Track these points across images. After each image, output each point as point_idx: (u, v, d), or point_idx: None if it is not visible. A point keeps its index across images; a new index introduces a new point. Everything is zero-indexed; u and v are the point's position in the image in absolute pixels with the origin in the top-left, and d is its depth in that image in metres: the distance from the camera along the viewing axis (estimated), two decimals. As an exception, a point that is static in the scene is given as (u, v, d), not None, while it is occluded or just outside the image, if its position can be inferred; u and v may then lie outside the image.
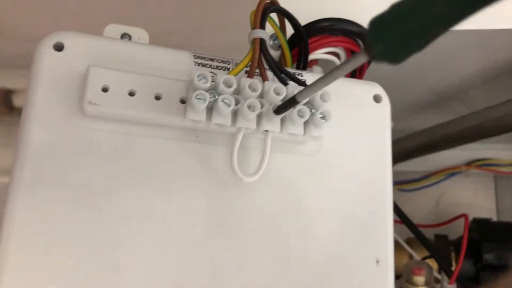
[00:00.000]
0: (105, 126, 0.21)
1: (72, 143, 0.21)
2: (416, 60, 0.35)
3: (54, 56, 0.21)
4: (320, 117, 0.22)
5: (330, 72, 0.17)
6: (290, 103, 0.21)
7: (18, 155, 0.21)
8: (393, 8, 0.13)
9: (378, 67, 0.30)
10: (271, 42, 0.30)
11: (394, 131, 0.33)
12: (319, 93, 0.22)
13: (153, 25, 0.65)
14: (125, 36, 0.28)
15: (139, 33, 0.28)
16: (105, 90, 0.21)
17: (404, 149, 0.47)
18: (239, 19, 0.62)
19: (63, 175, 0.21)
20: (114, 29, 0.28)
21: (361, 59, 0.15)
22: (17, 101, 0.73)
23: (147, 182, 0.22)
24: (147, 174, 0.22)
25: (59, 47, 0.22)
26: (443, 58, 0.36)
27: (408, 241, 0.45)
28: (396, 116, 0.50)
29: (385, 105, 0.26)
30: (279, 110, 0.21)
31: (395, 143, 0.29)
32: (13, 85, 0.74)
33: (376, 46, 0.13)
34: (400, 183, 0.52)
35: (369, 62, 0.30)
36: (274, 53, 0.30)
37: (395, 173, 0.27)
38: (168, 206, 0.22)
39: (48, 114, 0.21)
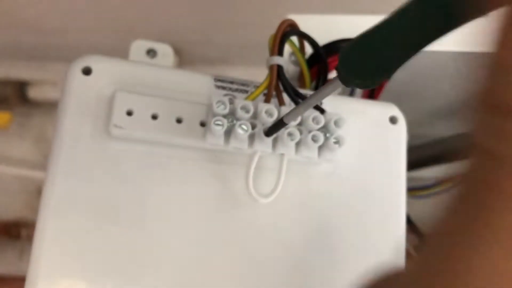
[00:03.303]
0: (130, 147, 0.22)
1: (99, 162, 0.22)
2: (432, 70, 0.35)
3: (82, 80, 0.22)
4: (334, 142, 0.23)
5: (311, 96, 0.18)
6: (279, 125, 0.21)
7: (50, 171, 0.22)
8: (357, 39, 0.14)
9: (399, 74, 0.31)
10: (292, 58, 0.30)
11: (412, 137, 0.33)
12: (333, 118, 0.23)
13: (171, 22, 0.66)
14: (150, 51, 0.29)
15: (164, 49, 0.29)
16: (129, 113, 0.22)
17: (417, 158, 0.47)
18: (255, 19, 0.63)
19: (91, 192, 0.22)
20: (140, 45, 0.29)
21: (337, 84, 0.16)
22: (31, 92, 0.74)
23: (168, 200, 0.23)
24: (168, 192, 0.23)
25: (87, 71, 0.23)
26: (466, 66, 0.36)
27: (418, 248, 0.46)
28: (413, 122, 0.51)
29: (401, 126, 0.27)
30: (269, 132, 0.22)
31: (409, 151, 0.29)
32: (28, 76, 0.76)
33: (342, 73, 0.15)
34: (410, 190, 0.52)
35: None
36: (294, 69, 0.31)
37: (407, 179, 0.28)
38: (187, 223, 0.23)
39: (76, 134, 0.22)
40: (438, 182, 0.53)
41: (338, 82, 0.16)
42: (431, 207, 0.59)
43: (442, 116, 0.49)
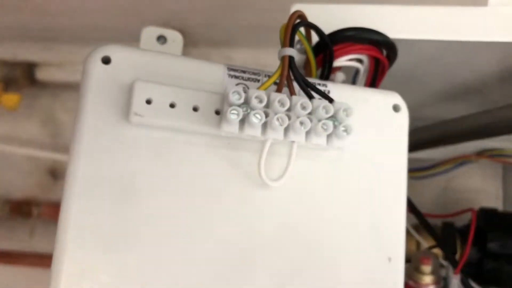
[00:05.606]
0: (149, 134, 0.24)
1: (120, 148, 0.23)
2: (441, 55, 0.36)
3: (102, 69, 0.23)
4: (343, 130, 0.24)
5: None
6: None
7: (72, 157, 0.23)
8: None
9: (402, 59, 0.32)
10: (298, 46, 0.31)
11: (415, 119, 0.34)
12: (342, 107, 0.24)
13: (177, 4, 0.66)
14: (161, 38, 0.30)
15: (174, 36, 0.30)
16: (148, 102, 0.23)
17: (417, 140, 0.48)
18: (260, 1, 0.63)
19: (113, 176, 0.23)
20: (151, 31, 0.30)
21: None
22: (39, 74, 0.75)
23: (184, 185, 0.24)
24: (185, 177, 0.24)
25: (106, 60, 0.24)
26: (466, 56, 0.37)
27: (417, 227, 0.47)
28: (417, 105, 0.52)
29: (404, 114, 0.28)
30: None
31: (409, 133, 0.30)
32: (36, 58, 0.76)
33: None
34: (410, 171, 0.54)
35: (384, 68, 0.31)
36: (300, 57, 0.32)
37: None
38: (202, 205, 0.24)
39: (98, 122, 0.23)
40: (437, 164, 0.55)
41: None
42: (429, 187, 0.60)
43: (443, 99, 0.50)
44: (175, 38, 0.30)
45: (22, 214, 0.71)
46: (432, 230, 0.39)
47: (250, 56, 0.75)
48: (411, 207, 0.39)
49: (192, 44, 0.75)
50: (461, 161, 0.54)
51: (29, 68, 0.75)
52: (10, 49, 0.77)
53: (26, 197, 0.72)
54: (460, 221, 0.49)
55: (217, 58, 0.76)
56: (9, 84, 0.75)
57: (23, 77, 0.74)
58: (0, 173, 0.73)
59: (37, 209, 0.71)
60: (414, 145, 0.51)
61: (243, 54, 0.75)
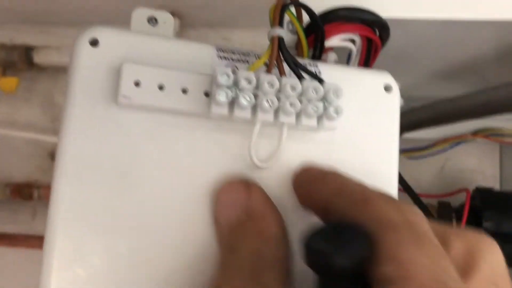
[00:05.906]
0: (138, 116, 0.24)
1: (109, 131, 0.23)
2: (436, 34, 0.36)
3: (90, 51, 0.23)
4: (333, 112, 0.24)
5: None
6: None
7: (61, 140, 0.23)
8: None
9: (397, 39, 0.31)
10: (290, 26, 0.31)
11: (410, 99, 0.34)
12: (332, 89, 0.24)
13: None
14: (151, 19, 0.30)
15: (165, 17, 0.30)
16: (137, 84, 0.23)
17: (413, 120, 0.48)
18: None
19: (102, 159, 0.23)
20: (141, 13, 0.29)
21: None
22: (37, 57, 0.74)
23: (175, 167, 0.24)
24: (175, 159, 0.24)
25: (94, 42, 0.24)
26: (462, 34, 0.37)
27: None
28: (413, 85, 0.51)
29: (395, 94, 0.28)
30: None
31: (405, 113, 0.30)
32: (33, 41, 0.76)
33: None
34: (407, 151, 0.54)
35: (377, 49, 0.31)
36: (292, 37, 0.31)
37: (402, 141, 0.29)
38: (192, 188, 0.24)
39: (86, 105, 0.23)
40: (433, 144, 0.55)
41: None
42: (426, 167, 0.60)
43: (439, 78, 0.50)
44: (166, 19, 0.30)
45: (23, 197, 0.71)
46: (426, 208, 0.39)
47: (247, 37, 0.74)
48: (404, 186, 0.39)
49: (189, 26, 0.74)
50: (457, 140, 0.54)
51: (26, 52, 0.74)
52: (7, 33, 0.76)
53: (27, 180, 0.73)
54: (457, 201, 0.49)
55: (215, 39, 0.75)
56: (7, 68, 0.75)
57: (21, 61, 0.74)
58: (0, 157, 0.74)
59: (38, 192, 0.71)
60: (411, 125, 0.51)
61: (240, 34, 0.74)
